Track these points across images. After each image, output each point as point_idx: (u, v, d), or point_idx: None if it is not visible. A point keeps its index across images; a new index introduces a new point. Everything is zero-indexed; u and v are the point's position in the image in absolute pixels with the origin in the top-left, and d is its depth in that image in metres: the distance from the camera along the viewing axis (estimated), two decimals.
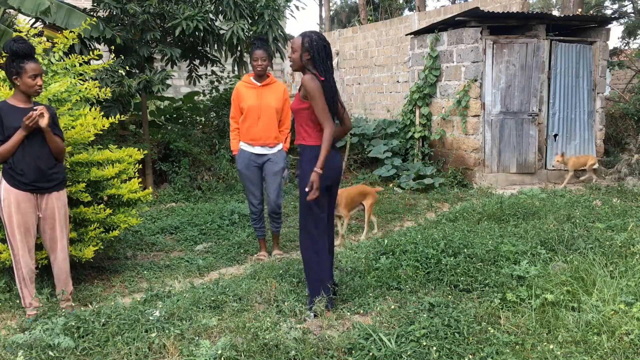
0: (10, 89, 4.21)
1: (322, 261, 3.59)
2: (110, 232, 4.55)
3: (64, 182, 3.89)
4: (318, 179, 3.41)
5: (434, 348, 2.90)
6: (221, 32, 7.93)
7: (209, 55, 8.53)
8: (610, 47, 11.84)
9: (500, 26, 8.52)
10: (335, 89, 3.61)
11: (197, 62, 8.70)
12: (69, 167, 4.25)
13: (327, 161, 3.50)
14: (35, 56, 3.79)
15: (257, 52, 4.95)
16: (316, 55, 3.50)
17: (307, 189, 3.44)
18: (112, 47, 7.22)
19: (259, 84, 5.01)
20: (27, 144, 3.61)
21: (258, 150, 5.05)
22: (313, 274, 3.58)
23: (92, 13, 7.58)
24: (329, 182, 3.58)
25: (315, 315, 3.47)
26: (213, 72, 9.71)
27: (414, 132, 9.31)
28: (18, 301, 4.02)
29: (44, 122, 3.56)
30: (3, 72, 4.34)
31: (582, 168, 8.49)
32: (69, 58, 4.69)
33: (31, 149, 3.62)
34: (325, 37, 3.61)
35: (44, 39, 4.65)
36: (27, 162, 3.61)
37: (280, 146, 5.14)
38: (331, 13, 32.59)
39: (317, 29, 37.27)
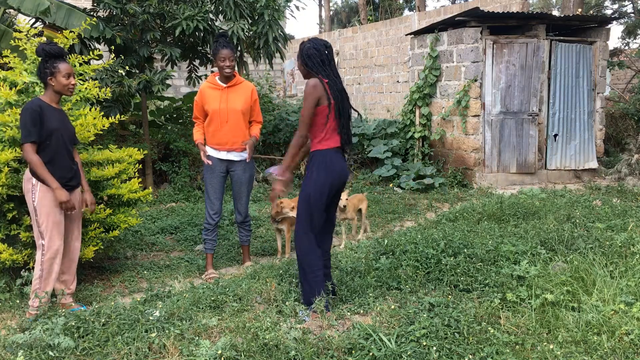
0: (7, 89, 4.22)
1: (321, 264, 3.60)
2: (110, 232, 4.55)
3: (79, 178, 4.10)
4: (279, 187, 3.60)
5: (434, 348, 2.90)
6: (221, 32, 7.92)
7: (209, 55, 8.53)
8: (610, 47, 11.84)
9: (500, 26, 8.52)
10: (343, 91, 3.59)
11: (197, 62, 8.69)
12: None
13: (335, 165, 3.54)
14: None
15: (223, 51, 4.56)
16: (308, 61, 3.54)
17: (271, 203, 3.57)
18: (112, 47, 7.22)
19: (224, 85, 4.69)
20: (65, 150, 3.78)
21: (224, 155, 4.75)
22: (313, 277, 3.57)
23: (92, 13, 7.58)
24: (333, 186, 3.58)
25: (313, 312, 3.46)
26: (213, 73, 9.71)
27: (414, 132, 9.31)
28: (18, 301, 4.02)
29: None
30: (3, 72, 4.35)
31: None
32: (69, 58, 4.68)
33: (67, 154, 3.81)
34: (321, 42, 3.58)
35: (44, 39, 4.65)
36: (65, 167, 3.80)
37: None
38: (331, 13, 32.59)
39: (317, 29, 37.20)
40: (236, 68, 8.75)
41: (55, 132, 3.70)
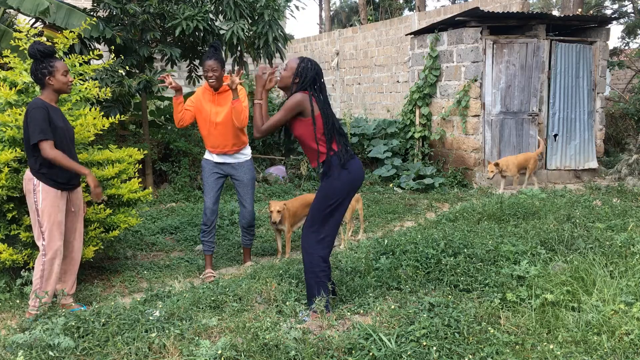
0: (7, 89, 4.22)
1: (328, 269, 3.59)
2: (110, 232, 4.55)
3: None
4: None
5: (434, 348, 2.89)
6: (221, 32, 7.93)
7: None
8: (610, 47, 11.85)
9: (500, 26, 8.52)
10: (330, 113, 3.57)
11: (197, 62, 8.70)
12: None
13: (352, 164, 3.56)
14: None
15: (207, 62, 4.65)
16: (301, 81, 3.54)
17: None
18: (112, 47, 7.22)
19: (215, 91, 4.76)
20: (67, 149, 3.76)
21: (217, 158, 4.84)
22: (315, 276, 3.57)
23: (92, 13, 7.58)
24: (356, 183, 3.59)
25: (315, 313, 3.46)
26: None
27: (414, 132, 9.31)
28: (18, 301, 4.02)
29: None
30: (3, 72, 4.35)
31: None
32: (69, 58, 4.69)
33: (69, 153, 3.79)
34: (320, 70, 3.59)
35: (44, 39, 4.65)
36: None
37: (247, 156, 4.92)
38: (331, 13, 32.59)
39: (317, 29, 37.23)
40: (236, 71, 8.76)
41: (59, 131, 3.71)
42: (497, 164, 7.62)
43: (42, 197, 3.69)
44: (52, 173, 3.70)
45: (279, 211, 5.09)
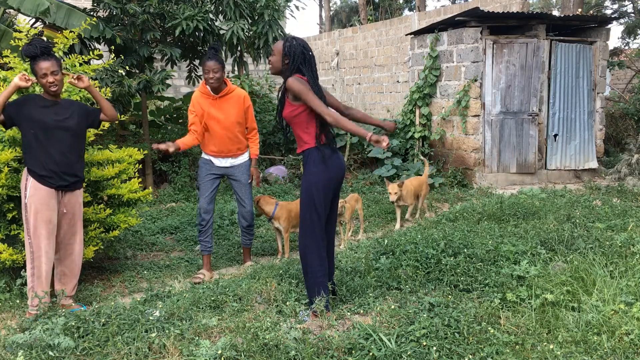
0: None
1: (324, 264, 3.59)
2: (110, 232, 4.55)
3: (83, 180, 4.02)
4: (377, 137, 3.29)
5: (434, 348, 2.90)
6: (221, 32, 7.93)
7: None
8: (610, 47, 11.85)
9: (500, 26, 8.52)
10: (322, 94, 3.54)
11: (197, 62, 8.70)
12: None
13: (331, 160, 3.53)
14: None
15: (208, 63, 4.61)
16: (291, 60, 3.50)
17: (384, 144, 3.28)
18: (112, 47, 7.22)
19: (216, 96, 4.72)
20: (51, 144, 3.71)
21: (218, 162, 4.85)
22: (314, 277, 3.56)
23: (92, 13, 7.58)
24: (333, 181, 3.57)
25: (315, 314, 3.46)
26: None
27: (414, 132, 9.31)
28: (18, 301, 4.02)
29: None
30: (3, 72, 4.35)
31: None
32: (69, 58, 4.69)
33: (57, 147, 3.73)
34: (306, 44, 3.58)
35: (44, 39, 4.65)
36: (51, 161, 3.71)
37: (245, 157, 4.95)
38: (331, 13, 32.59)
39: (317, 29, 37.19)
40: (236, 72, 8.76)
41: (35, 123, 3.67)
42: (400, 185, 6.43)
43: (30, 193, 3.67)
44: (33, 165, 3.69)
45: (258, 202, 5.23)
